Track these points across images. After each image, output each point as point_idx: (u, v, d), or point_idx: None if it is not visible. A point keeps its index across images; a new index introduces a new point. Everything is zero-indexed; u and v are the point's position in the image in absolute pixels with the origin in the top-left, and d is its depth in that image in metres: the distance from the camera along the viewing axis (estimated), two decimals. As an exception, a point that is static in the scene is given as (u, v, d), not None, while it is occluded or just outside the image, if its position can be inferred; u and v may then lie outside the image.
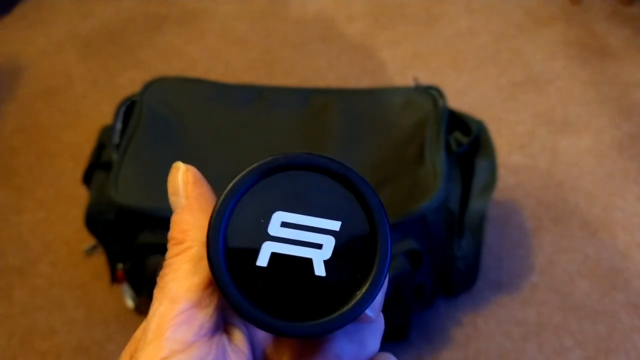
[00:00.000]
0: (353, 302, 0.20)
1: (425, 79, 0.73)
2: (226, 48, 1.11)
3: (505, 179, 0.84)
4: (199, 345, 0.21)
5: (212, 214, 0.21)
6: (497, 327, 0.71)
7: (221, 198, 0.21)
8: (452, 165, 0.66)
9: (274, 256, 0.20)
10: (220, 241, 0.20)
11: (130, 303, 0.71)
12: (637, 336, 0.69)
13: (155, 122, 0.68)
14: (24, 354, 0.71)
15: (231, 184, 0.21)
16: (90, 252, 0.78)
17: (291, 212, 0.21)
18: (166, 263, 0.22)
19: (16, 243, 0.82)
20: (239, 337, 0.23)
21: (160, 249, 0.62)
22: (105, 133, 0.71)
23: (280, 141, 0.68)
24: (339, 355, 0.22)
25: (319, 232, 0.21)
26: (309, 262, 0.20)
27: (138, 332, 0.22)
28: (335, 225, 0.21)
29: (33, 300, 0.76)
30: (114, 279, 0.70)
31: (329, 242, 0.21)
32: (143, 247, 0.62)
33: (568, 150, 0.89)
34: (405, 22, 1.15)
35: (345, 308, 0.20)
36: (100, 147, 0.71)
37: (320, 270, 0.20)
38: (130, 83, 1.02)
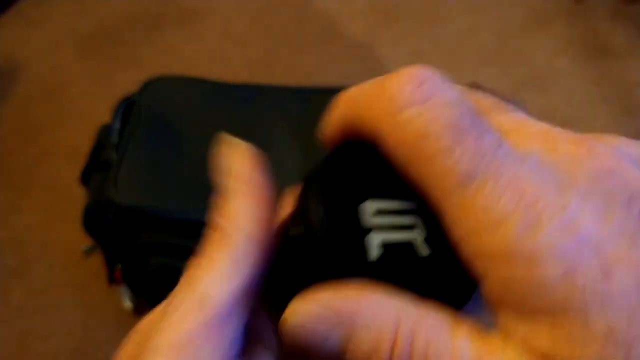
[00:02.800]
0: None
1: (427, 78, 0.73)
2: (226, 47, 1.11)
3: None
4: None
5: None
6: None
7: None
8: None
9: (384, 246, 0.18)
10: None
11: (128, 304, 0.71)
12: None
13: (154, 122, 0.68)
14: (22, 355, 0.71)
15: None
16: (88, 252, 0.77)
17: (380, 198, 0.19)
18: (203, 249, 0.18)
19: (13, 244, 0.81)
20: None
21: (160, 250, 0.61)
22: (104, 133, 0.71)
23: (281, 141, 0.67)
24: None
25: (406, 214, 0.19)
26: (411, 245, 0.18)
27: (145, 324, 0.18)
28: (412, 204, 0.19)
29: (30, 301, 0.75)
30: (112, 280, 0.69)
31: (418, 222, 0.19)
32: (142, 247, 0.62)
33: (571, 150, 0.89)
34: (407, 20, 1.14)
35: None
36: (99, 146, 0.70)
37: (424, 250, 0.18)
38: (129, 82, 1.01)
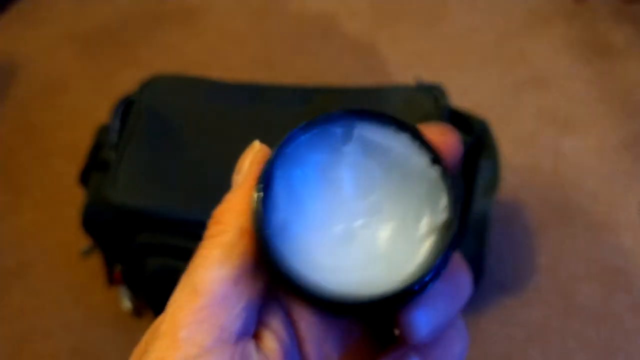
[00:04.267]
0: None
1: (427, 78, 0.73)
2: (225, 46, 1.11)
3: (509, 179, 0.83)
4: (217, 353, 0.17)
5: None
6: (499, 329, 0.70)
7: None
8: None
9: None
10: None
11: (127, 305, 0.71)
12: (642, 339, 0.69)
13: (153, 121, 0.68)
14: (21, 355, 0.71)
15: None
16: (87, 253, 0.77)
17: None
18: (201, 243, 0.19)
19: (12, 244, 0.81)
20: (270, 345, 0.19)
21: (159, 250, 0.61)
22: (103, 132, 0.71)
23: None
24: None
25: None
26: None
27: (156, 322, 0.20)
28: None
29: (30, 302, 0.75)
30: (112, 280, 0.70)
31: None
32: (141, 248, 0.62)
33: (572, 150, 0.89)
34: (407, 19, 1.14)
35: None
36: (98, 146, 0.70)
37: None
38: (128, 82, 1.01)
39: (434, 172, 0.19)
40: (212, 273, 0.18)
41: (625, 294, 0.72)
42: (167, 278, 0.61)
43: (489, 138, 0.69)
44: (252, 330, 0.19)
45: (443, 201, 0.19)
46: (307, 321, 0.20)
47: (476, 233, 0.66)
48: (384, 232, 0.20)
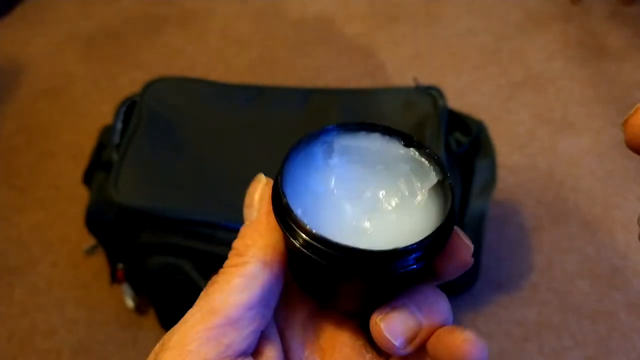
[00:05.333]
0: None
1: (425, 79, 0.73)
2: (226, 48, 1.11)
3: (505, 179, 0.84)
4: None
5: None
6: (497, 327, 0.71)
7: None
8: (452, 165, 0.66)
9: None
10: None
11: (130, 303, 0.71)
12: (636, 336, 0.69)
13: (155, 122, 0.68)
14: (25, 353, 0.71)
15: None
16: (90, 252, 0.78)
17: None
18: (221, 271, 0.22)
19: (16, 243, 0.82)
20: (270, 357, 0.22)
21: (161, 249, 0.62)
22: (106, 133, 0.71)
23: (280, 141, 0.67)
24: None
25: None
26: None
27: (166, 335, 0.21)
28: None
29: (33, 300, 0.76)
30: (114, 279, 0.70)
31: None
32: (144, 247, 0.62)
33: (568, 150, 0.89)
34: (405, 22, 1.15)
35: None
36: (101, 147, 0.71)
37: None
38: (131, 83, 1.02)
39: (410, 152, 0.22)
40: (231, 298, 0.20)
41: (621, 292, 0.73)
42: (169, 276, 0.61)
43: (486, 138, 0.70)
44: (253, 349, 0.21)
45: (427, 168, 0.22)
46: (297, 340, 0.23)
47: (473, 232, 0.67)
48: (390, 215, 0.22)
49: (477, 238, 0.67)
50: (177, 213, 0.60)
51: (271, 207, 0.22)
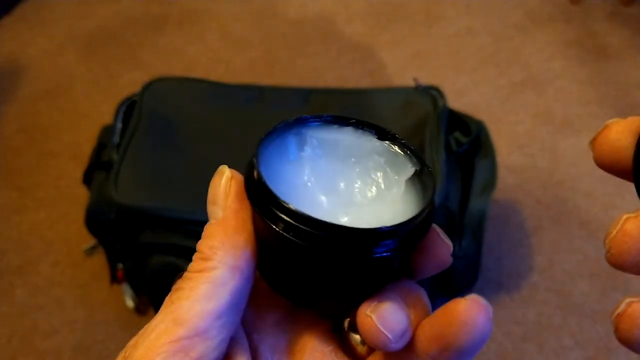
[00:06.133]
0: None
1: (425, 79, 0.73)
2: (226, 48, 1.11)
3: (505, 179, 0.84)
4: None
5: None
6: (497, 327, 0.71)
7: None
8: (452, 165, 0.66)
9: None
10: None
11: (130, 303, 0.71)
12: (636, 336, 0.69)
13: (155, 122, 0.68)
14: (25, 353, 0.71)
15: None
16: (90, 252, 0.78)
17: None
18: (185, 275, 0.20)
19: (17, 243, 0.82)
20: None
21: (161, 249, 0.62)
22: (106, 133, 0.71)
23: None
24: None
25: None
26: None
27: (132, 342, 0.20)
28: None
29: (33, 299, 0.76)
30: (114, 278, 0.70)
31: None
32: (144, 246, 0.62)
33: (567, 150, 0.89)
34: (405, 22, 1.15)
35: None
36: (101, 147, 0.71)
37: None
38: (131, 83, 1.02)
39: (385, 145, 0.22)
40: (198, 306, 0.19)
41: (621, 292, 0.73)
42: (169, 276, 0.62)
43: (486, 138, 0.70)
44: (223, 356, 0.20)
45: (403, 160, 0.22)
46: (266, 344, 0.22)
47: (473, 232, 0.67)
48: (367, 208, 0.22)
49: (477, 238, 0.67)
50: (177, 213, 0.60)
51: (239, 204, 0.20)
